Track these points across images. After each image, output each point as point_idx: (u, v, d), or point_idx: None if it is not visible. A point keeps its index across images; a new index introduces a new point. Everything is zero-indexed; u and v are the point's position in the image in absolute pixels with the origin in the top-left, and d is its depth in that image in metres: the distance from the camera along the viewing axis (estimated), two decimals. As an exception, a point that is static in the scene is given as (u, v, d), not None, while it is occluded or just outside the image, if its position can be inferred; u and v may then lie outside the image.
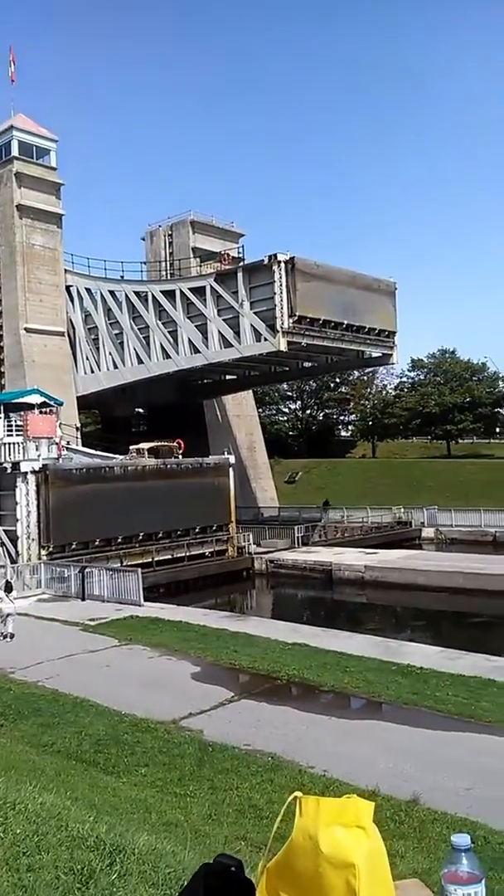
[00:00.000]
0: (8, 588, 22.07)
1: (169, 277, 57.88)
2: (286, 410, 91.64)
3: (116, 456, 38.85)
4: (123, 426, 57.64)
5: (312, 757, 11.74)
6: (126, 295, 49.46)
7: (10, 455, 33.48)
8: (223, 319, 43.53)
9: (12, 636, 20.82)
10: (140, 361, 48.47)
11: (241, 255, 55.48)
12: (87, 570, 27.90)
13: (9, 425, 35.53)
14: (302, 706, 14.64)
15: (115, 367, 50.05)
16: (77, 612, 24.53)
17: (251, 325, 41.38)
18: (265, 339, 40.39)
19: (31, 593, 28.15)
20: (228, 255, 50.17)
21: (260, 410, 66.98)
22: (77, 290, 52.35)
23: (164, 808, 9.85)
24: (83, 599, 26.94)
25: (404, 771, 11.06)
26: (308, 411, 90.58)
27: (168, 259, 61.56)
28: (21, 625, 21.67)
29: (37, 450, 33.97)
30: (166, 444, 40.06)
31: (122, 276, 52.75)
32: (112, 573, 27.28)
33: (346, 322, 41.58)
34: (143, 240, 64.44)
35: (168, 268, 61.08)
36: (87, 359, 51.73)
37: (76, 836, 4.44)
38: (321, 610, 32.80)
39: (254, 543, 39.64)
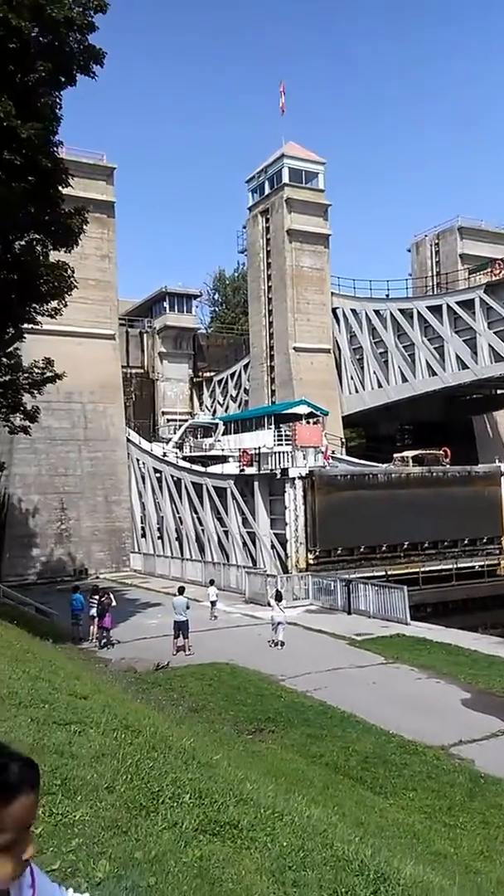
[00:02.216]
0: (278, 597, 22.94)
1: (435, 290, 56.90)
2: None
3: (380, 465, 38.93)
4: (387, 442, 57.66)
5: None
6: (391, 313, 49.45)
7: (279, 463, 35.14)
8: (494, 332, 41.64)
9: (282, 644, 21.59)
10: (405, 380, 48.09)
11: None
12: (352, 583, 28.10)
13: (279, 435, 37.70)
14: None
15: (380, 385, 50.19)
16: (343, 626, 24.77)
17: (526, 336, 39.09)
18: (542, 351, 37.91)
19: (299, 604, 29.02)
20: (500, 264, 48.07)
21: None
22: (343, 311, 53.41)
23: (433, 836, 9.50)
24: (349, 613, 27.16)
25: None
26: None
27: (434, 268, 60.55)
28: (290, 634, 22.40)
29: (304, 458, 35.31)
30: (432, 452, 39.34)
31: (388, 295, 52.87)
32: (378, 588, 27.18)
33: None
34: (409, 251, 64.13)
35: (434, 279, 60.05)
36: (352, 378, 52.50)
37: (341, 856, 4.40)
38: None
39: (529, 566, 37.15)
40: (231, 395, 61.50)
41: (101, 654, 20.81)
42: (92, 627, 23.10)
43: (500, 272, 46.27)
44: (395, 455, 40.41)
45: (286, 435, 37.95)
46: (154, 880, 3.59)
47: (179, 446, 48.93)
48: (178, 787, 4.85)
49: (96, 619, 22.66)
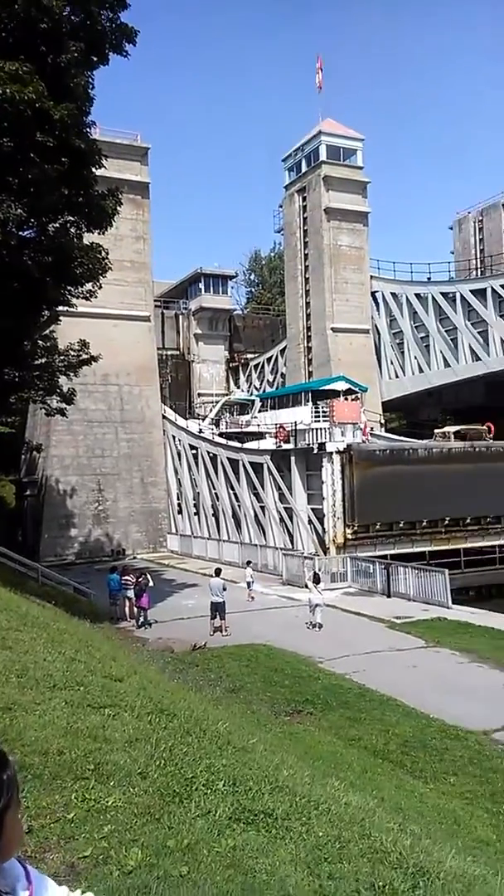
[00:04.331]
0: (316, 579, 22.81)
1: (479, 271, 55.86)
2: None
3: (421, 441, 38.44)
4: (429, 427, 56.99)
5: None
6: (432, 297, 48.55)
7: (317, 439, 34.98)
8: (541, 316, 40.68)
9: (320, 626, 21.49)
10: (447, 365, 47.31)
11: None
12: (392, 566, 27.84)
13: (316, 411, 37.43)
14: None
15: (421, 371, 49.50)
16: (382, 609, 24.56)
17: None
18: None
19: (337, 586, 28.85)
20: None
21: None
22: (382, 294, 52.66)
23: (475, 823, 9.35)
24: (388, 596, 26.92)
25: None
26: None
27: (478, 245, 59.37)
28: (328, 616, 22.28)
29: (342, 434, 35.03)
30: (475, 427, 38.60)
31: (429, 278, 51.97)
32: (418, 572, 26.88)
33: None
34: (451, 229, 62.96)
35: (478, 256, 58.88)
36: (392, 363, 51.86)
37: (379, 848, 4.27)
38: None
39: None
40: (268, 380, 61.18)
41: (139, 634, 20.99)
42: (126, 607, 23.37)
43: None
44: (436, 430, 39.79)
45: (324, 411, 37.66)
46: (186, 869, 3.51)
47: (216, 423, 48.94)
48: (213, 774, 4.75)
49: (133, 600, 22.86)
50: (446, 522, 34.37)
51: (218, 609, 21.06)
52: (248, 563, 29.27)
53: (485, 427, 38.49)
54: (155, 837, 3.77)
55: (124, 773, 4.54)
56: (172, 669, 15.35)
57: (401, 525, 33.38)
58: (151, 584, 23.28)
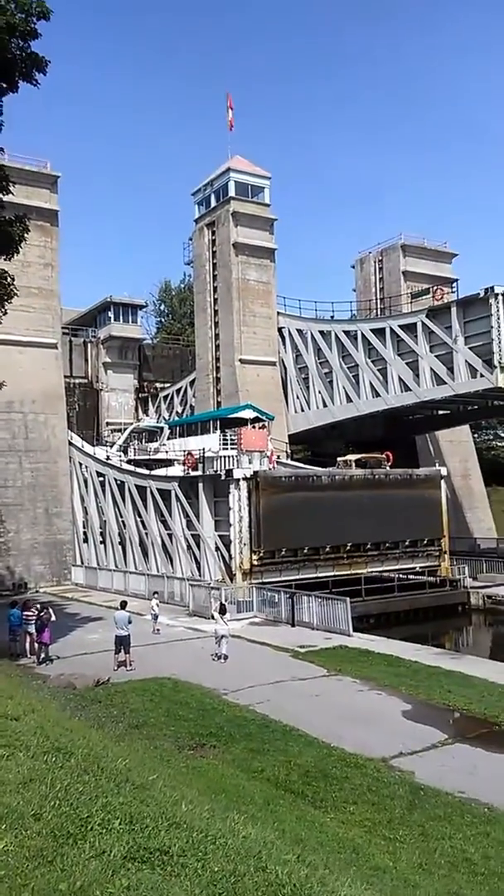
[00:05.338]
0: (222, 610, 22.79)
1: (379, 309, 57.76)
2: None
3: (324, 468, 39.30)
4: (332, 459, 58.19)
5: (535, 815, 10.74)
6: (335, 334, 49.89)
7: (224, 466, 35.26)
8: (435, 356, 42.39)
9: (226, 657, 21.43)
10: (349, 400, 48.58)
11: (454, 277, 54.02)
12: (296, 595, 28.14)
13: (224, 439, 37.67)
14: (523, 757, 13.51)
15: (325, 405, 50.62)
16: (286, 638, 24.74)
17: (466, 361, 39.96)
18: (481, 376, 38.73)
19: (243, 616, 28.89)
20: (441, 289, 48.88)
21: (475, 436, 64.24)
22: (288, 331, 53.77)
23: (373, 850, 9.49)
24: (293, 625, 27.16)
25: None
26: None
27: (378, 284, 61.47)
28: (234, 647, 22.24)
29: (249, 462, 35.41)
30: (374, 455, 39.74)
31: (333, 317, 53.44)
32: (321, 600, 27.26)
33: None
34: (353, 267, 64.99)
35: (378, 294, 60.93)
36: (298, 398, 52.85)
37: (274, 880, 4.31)
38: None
39: (469, 577, 37.75)
40: (177, 411, 61.06)
41: (40, 671, 20.35)
42: (27, 643, 22.66)
43: (441, 297, 47.02)
44: (338, 458, 40.74)
45: (232, 439, 37.98)
46: (78, 912, 3.46)
47: (124, 450, 48.37)
48: (109, 813, 4.71)
49: (34, 635, 22.18)
50: (348, 548, 35.20)
51: (123, 643, 20.70)
52: (155, 594, 28.98)
53: (384, 455, 39.74)
54: (46, 881, 3.70)
55: (17, 816, 4.44)
56: (74, 706, 14.97)
57: (305, 551, 33.96)
58: (54, 618, 22.65)
